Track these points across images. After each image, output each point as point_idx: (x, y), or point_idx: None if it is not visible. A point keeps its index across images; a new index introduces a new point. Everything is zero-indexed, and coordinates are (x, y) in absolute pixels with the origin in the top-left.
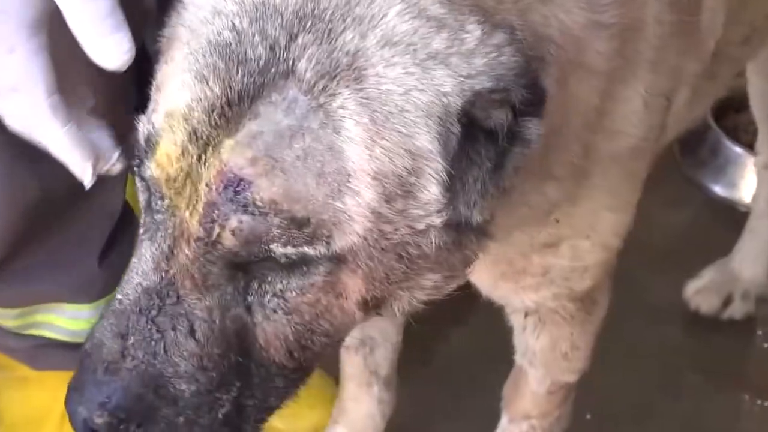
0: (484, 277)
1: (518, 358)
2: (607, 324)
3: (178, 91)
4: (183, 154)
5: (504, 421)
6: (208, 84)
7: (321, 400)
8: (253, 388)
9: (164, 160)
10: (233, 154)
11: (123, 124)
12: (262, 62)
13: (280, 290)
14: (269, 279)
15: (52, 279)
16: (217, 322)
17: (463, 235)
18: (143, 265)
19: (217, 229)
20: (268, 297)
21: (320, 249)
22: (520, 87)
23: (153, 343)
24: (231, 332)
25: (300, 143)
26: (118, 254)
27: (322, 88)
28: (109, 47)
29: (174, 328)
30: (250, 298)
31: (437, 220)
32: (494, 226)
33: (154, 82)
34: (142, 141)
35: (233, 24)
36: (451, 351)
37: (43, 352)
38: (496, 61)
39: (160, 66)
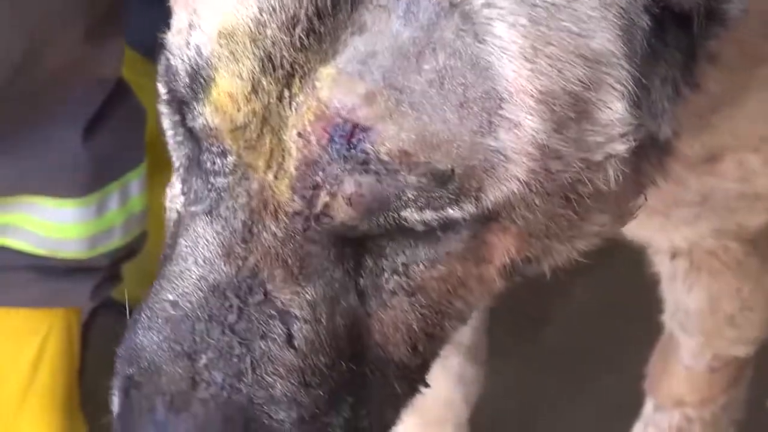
0: None
1: (667, 320)
2: None
3: None
4: (254, 91)
5: (648, 408)
6: None
7: None
8: (368, 402)
9: (226, 101)
10: (337, 89)
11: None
12: None
13: (403, 265)
14: (388, 251)
15: (27, 157)
16: (324, 321)
17: (644, 158)
18: (203, 252)
19: (323, 198)
20: (385, 276)
21: (468, 208)
22: None
23: (235, 360)
24: (341, 332)
25: (431, 63)
26: (107, 133)
27: None
28: None
29: (264, 337)
30: (362, 281)
31: (621, 147)
32: (679, 141)
33: None
34: (181, 75)
35: None
36: (570, 311)
37: (2, 279)
38: None
39: None
